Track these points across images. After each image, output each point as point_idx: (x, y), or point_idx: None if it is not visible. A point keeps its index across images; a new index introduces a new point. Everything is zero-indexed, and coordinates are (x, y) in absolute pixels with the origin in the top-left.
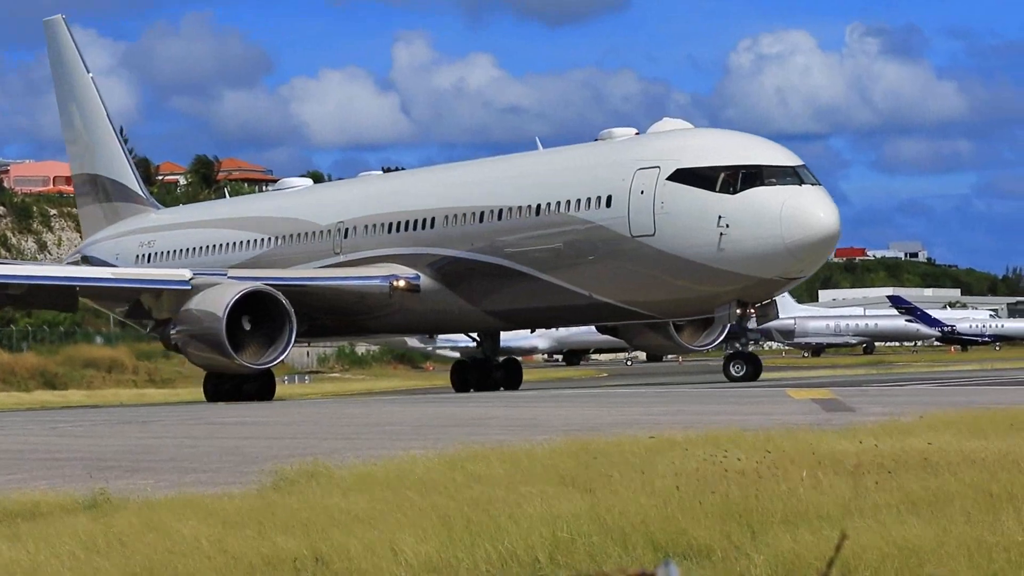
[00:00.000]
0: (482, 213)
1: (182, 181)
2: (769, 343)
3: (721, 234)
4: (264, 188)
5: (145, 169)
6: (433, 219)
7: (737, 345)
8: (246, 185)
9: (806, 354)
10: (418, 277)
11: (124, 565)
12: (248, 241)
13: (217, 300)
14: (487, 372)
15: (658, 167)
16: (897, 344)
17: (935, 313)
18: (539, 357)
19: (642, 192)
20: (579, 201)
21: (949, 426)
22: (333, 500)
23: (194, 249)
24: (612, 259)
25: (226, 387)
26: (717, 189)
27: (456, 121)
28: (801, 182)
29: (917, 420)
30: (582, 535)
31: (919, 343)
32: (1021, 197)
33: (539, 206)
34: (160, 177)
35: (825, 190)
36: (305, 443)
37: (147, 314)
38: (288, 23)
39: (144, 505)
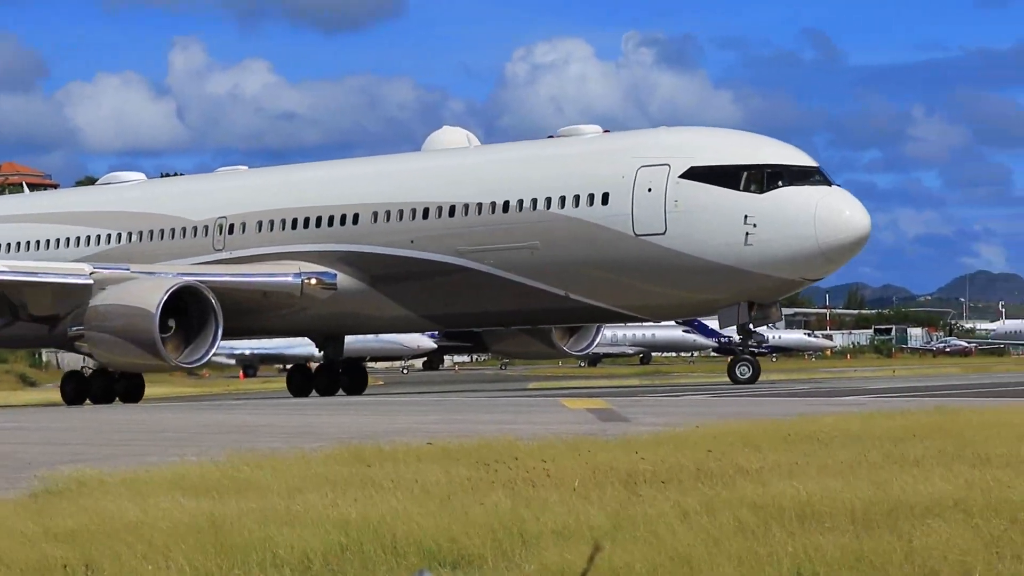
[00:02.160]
0: (426, 209)
1: None
2: None
3: (747, 234)
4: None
5: None
6: (357, 215)
7: (750, 346)
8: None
9: (583, 363)
10: (334, 276)
11: None
12: (87, 237)
13: (144, 296)
14: (333, 378)
15: (667, 165)
16: (674, 354)
17: (712, 324)
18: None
19: (649, 190)
20: (563, 198)
21: (723, 437)
22: (104, 506)
23: (14, 245)
24: (604, 258)
25: (95, 388)
26: (741, 188)
27: (231, 127)
28: (828, 183)
29: (692, 430)
30: (354, 543)
31: (696, 353)
32: None
33: (507, 203)
34: None
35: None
36: (79, 449)
37: (15, 312)
38: (64, 28)
39: None
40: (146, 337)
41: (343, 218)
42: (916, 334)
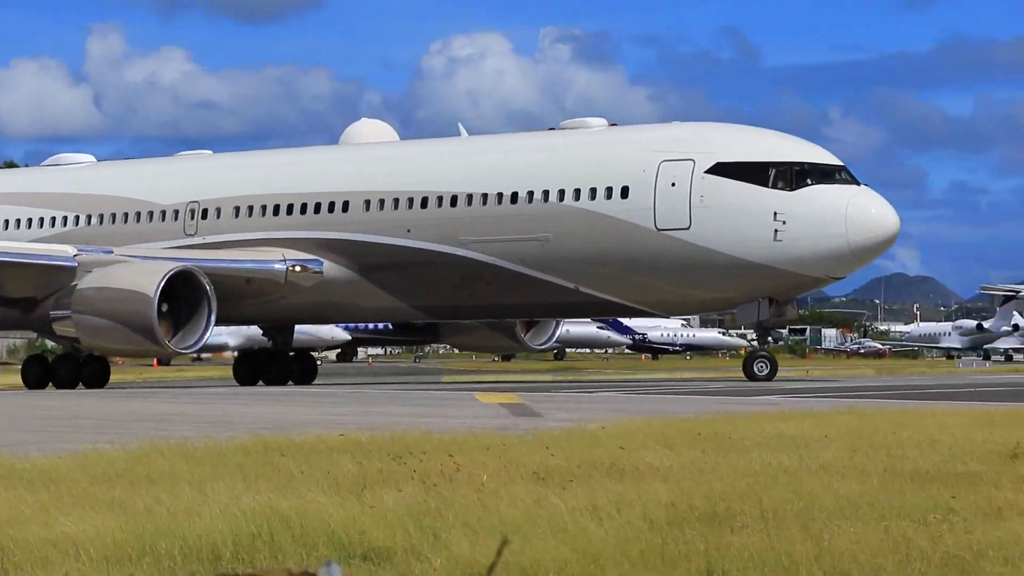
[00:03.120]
0: (425, 198)
1: None
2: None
3: (776, 231)
4: None
5: None
6: (347, 202)
7: (768, 342)
8: None
9: (497, 358)
10: (320, 263)
11: None
12: (41, 219)
13: (140, 280)
14: (283, 366)
15: (692, 160)
16: (588, 351)
17: (626, 321)
18: (228, 355)
19: (673, 184)
20: (578, 191)
21: (635, 433)
22: (14, 493)
23: None
24: (621, 252)
25: (62, 373)
26: (769, 185)
27: (149, 115)
28: (856, 181)
29: (603, 427)
30: (265, 533)
31: (610, 350)
32: None
33: (515, 193)
34: None
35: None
36: None
37: None
38: None
39: None
40: (142, 322)
41: (331, 206)
42: (830, 335)
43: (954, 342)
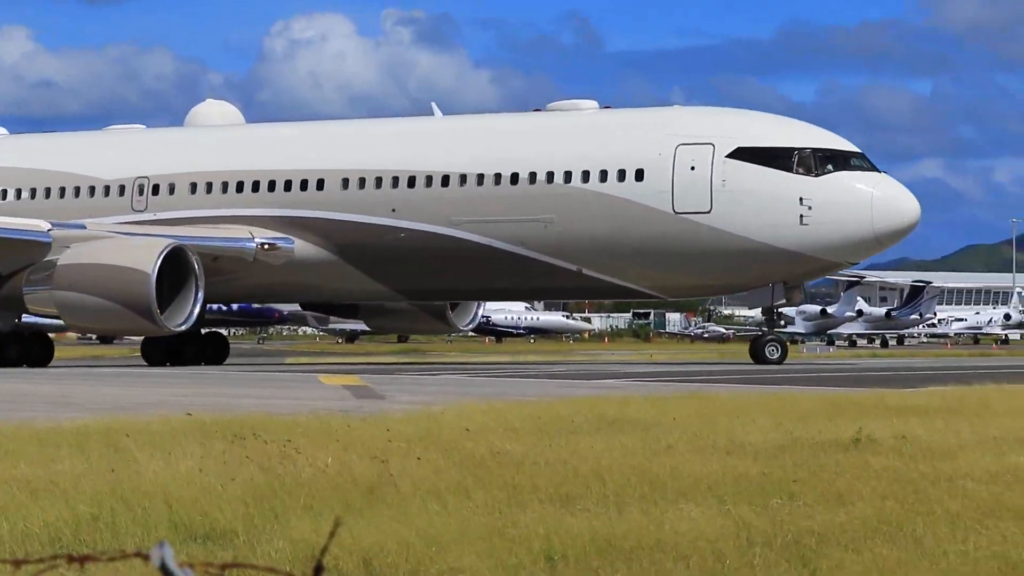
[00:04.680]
0: (412, 178)
1: None
2: (304, 328)
3: (802, 216)
4: None
5: None
6: (321, 180)
7: (778, 326)
8: None
9: (340, 340)
10: (291, 242)
11: None
12: None
13: (138, 256)
14: (199, 348)
15: (711, 144)
16: (432, 334)
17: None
18: (72, 335)
19: (692, 168)
20: (586, 173)
21: (476, 417)
22: None
23: None
24: (634, 235)
25: (11, 352)
26: (793, 170)
27: None
28: (875, 168)
29: (446, 409)
30: (106, 514)
31: (453, 334)
32: None
33: (515, 174)
34: None
35: None
36: None
37: None
38: None
39: None
40: (139, 300)
41: (304, 183)
42: (674, 319)
43: (798, 327)
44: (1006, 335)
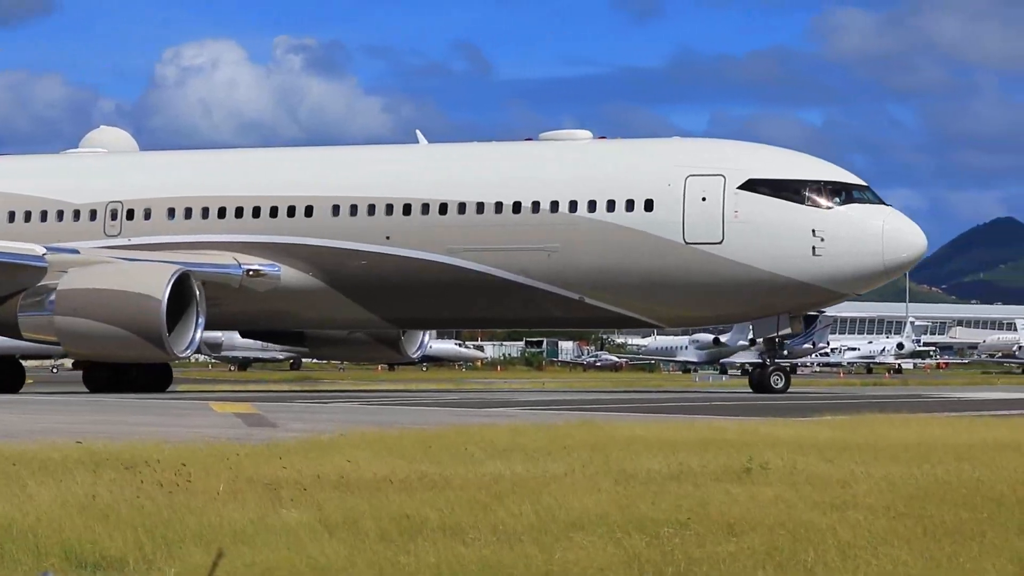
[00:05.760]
0: (407, 205)
1: None
2: (196, 355)
3: (815, 247)
4: None
5: None
6: (310, 207)
7: (779, 356)
8: None
9: (233, 367)
10: (278, 268)
11: None
12: None
13: (147, 282)
14: (147, 373)
15: (722, 175)
16: (326, 361)
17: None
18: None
19: (704, 199)
20: (592, 202)
21: (368, 445)
22: None
23: None
24: (643, 265)
25: None
26: (805, 202)
27: None
28: (881, 201)
29: (337, 438)
30: None
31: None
32: None
33: (517, 203)
34: None
35: None
36: None
37: None
38: None
39: None
40: (149, 326)
41: (291, 210)
42: (567, 348)
43: (691, 356)
44: (899, 364)
